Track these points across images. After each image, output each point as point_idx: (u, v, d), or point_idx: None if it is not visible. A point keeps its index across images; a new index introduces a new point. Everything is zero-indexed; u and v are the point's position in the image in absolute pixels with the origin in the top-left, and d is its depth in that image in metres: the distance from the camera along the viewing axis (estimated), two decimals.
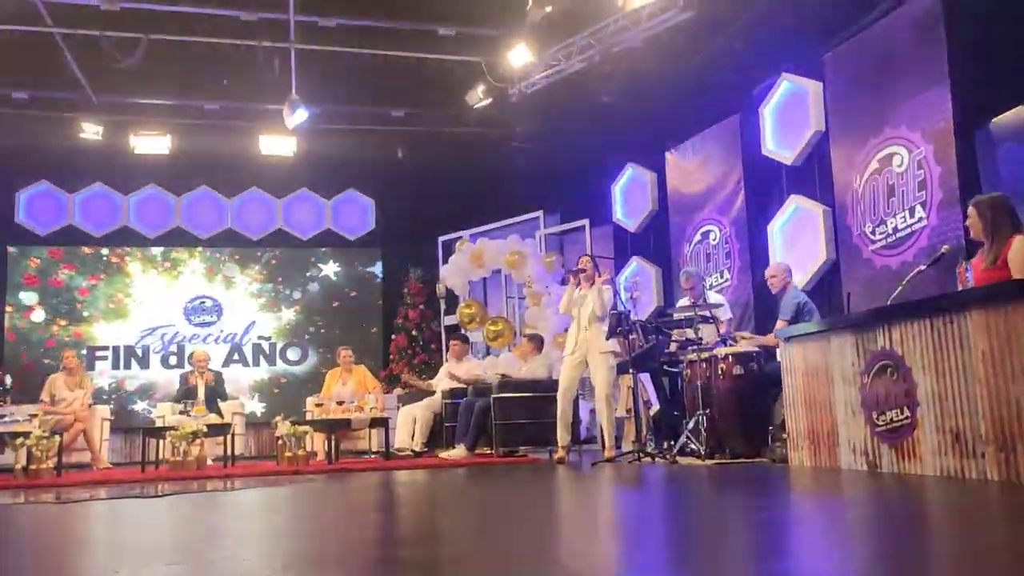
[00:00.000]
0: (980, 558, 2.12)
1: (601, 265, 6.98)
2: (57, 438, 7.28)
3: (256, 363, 11.55)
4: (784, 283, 6.37)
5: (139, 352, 11.23)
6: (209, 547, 2.90)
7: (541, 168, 10.28)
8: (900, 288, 4.71)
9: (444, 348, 10.62)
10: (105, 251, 11.32)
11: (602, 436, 6.63)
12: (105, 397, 10.65)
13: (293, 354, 11.67)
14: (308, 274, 11.83)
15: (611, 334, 6.55)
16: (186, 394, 8.59)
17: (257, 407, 11.29)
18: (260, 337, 11.60)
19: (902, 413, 4.20)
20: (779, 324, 6.05)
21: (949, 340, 3.89)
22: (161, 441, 7.92)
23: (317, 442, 8.04)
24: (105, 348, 11.15)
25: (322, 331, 11.70)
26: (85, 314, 11.15)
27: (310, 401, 8.95)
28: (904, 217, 6.39)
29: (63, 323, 11.07)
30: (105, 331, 11.19)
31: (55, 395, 8.42)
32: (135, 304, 11.32)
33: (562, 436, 6.79)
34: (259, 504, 4.52)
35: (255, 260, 11.76)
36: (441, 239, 11.27)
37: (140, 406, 11.00)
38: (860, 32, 6.92)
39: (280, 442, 7.63)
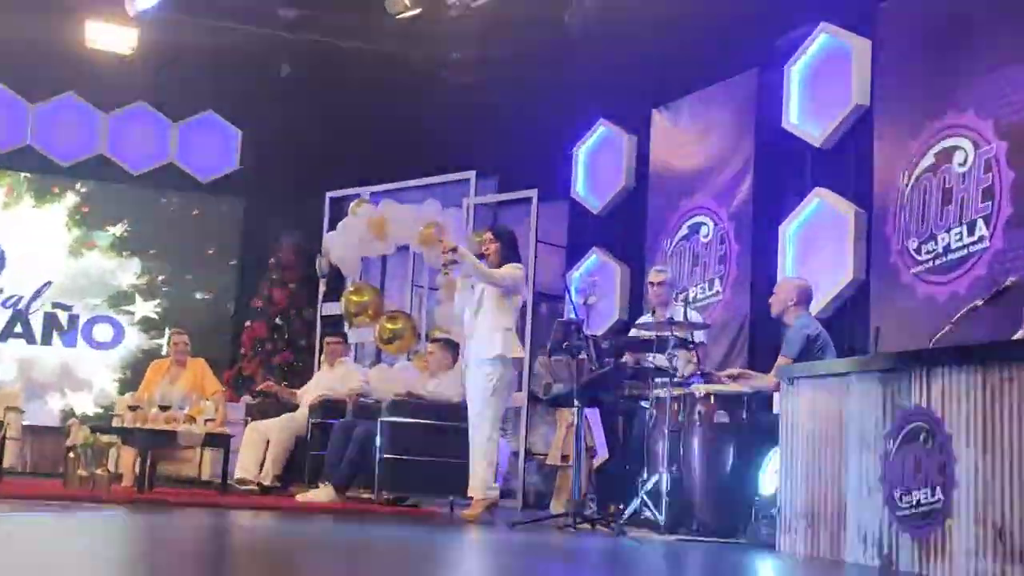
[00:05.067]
0: None
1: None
2: None
3: (46, 341, 11.29)
4: (786, 305, 6.43)
5: None
6: None
7: (480, 114, 10.24)
8: (948, 327, 4.81)
9: (319, 347, 10.49)
10: None
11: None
12: None
13: (102, 332, 11.46)
14: (135, 223, 11.64)
15: (555, 350, 6.55)
16: None
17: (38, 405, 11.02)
18: (56, 305, 11.35)
19: (933, 494, 4.30)
20: (781, 360, 6.12)
21: (1006, 404, 3.98)
22: None
23: (126, 460, 7.91)
24: None
25: (148, 305, 11.54)
26: None
27: (122, 401, 8.74)
28: (960, 234, 6.55)
29: None
30: None
31: None
32: None
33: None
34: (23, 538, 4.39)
35: (61, 195, 11.52)
36: (330, 195, 11.14)
37: None
38: None
39: (72, 455, 7.46)
